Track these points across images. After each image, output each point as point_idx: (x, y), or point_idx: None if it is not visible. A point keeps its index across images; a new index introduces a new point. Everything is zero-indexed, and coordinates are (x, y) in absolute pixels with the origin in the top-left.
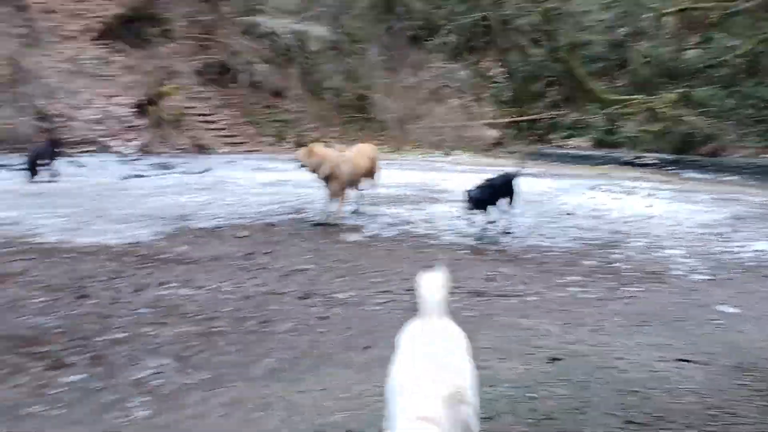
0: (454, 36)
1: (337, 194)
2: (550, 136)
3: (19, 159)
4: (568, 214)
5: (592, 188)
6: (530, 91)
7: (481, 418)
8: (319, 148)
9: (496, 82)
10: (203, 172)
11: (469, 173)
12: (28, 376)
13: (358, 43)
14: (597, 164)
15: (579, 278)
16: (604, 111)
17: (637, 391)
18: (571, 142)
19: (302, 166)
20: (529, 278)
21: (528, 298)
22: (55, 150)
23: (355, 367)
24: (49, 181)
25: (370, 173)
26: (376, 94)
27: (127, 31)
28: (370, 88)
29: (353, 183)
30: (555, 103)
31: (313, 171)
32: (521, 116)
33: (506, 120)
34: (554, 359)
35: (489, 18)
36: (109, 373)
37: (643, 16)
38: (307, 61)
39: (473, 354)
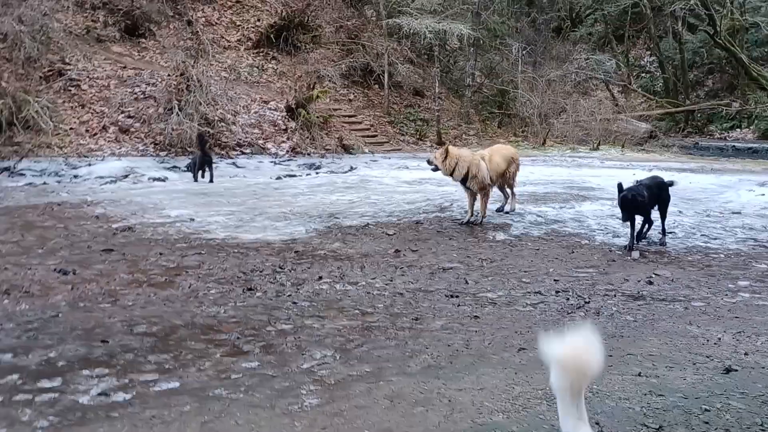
0: (600, 25)
1: (478, 194)
2: (710, 128)
3: (188, 161)
4: (734, 212)
5: (762, 184)
6: (686, 81)
7: (651, 428)
8: (453, 150)
9: (647, 72)
10: (349, 171)
11: (618, 169)
12: (211, 361)
13: (499, 38)
14: (765, 158)
15: (751, 283)
16: None
17: None
18: (734, 133)
19: (436, 168)
20: (693, 282)
21: (694, 304)
22: (206, 156)
23: (512, 367)
24: (210, 182)
25: (507, 174)
26: (518, 90)
27: (280, 39)
28: (511, 83)
29: (492, 183)
30: (715, 92)
31: (450, 173)
32: (676, 107)
33: (659, 112)
34: (729, 370)
35: (640, 4)
36: (281, 362)
37: None
38: (447, 59)
39: (637, 360)
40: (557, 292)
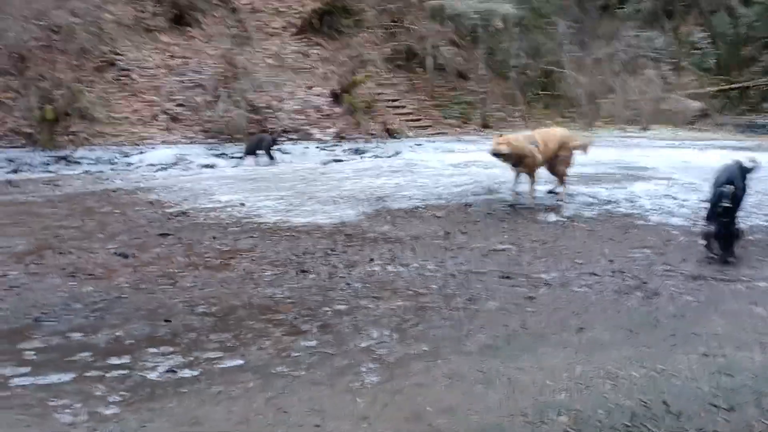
0: (649, 1)
1: (531, 175)
2: (765, 105)
3: (235, 148)
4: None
5: None
6: (740, 57)
7: (721, 408)
8: (510, 138)
9: (698, 49)
10: (394, 155)
11: (670, 149)
12: (271, 340)
13: (545, 17)
14: None
15: None
16: None
17: None
18: None
19: (499, 155)
20: (756, 262)
21: (759, 284)
22: (275, 141)
23: (572, 347)
24: (258, 166)
25: (558, 156)
26: (565, 70)
27: (323, 24)
28: (557, 63)
29: (544, 164)
30: None
31: (513, 161)
32: (730, 85)
33: (712, 89)
34: None
35: None
36: (339, 341)
37: None
38: (491, 40)
39: (702, 340)
40: (613, 272)
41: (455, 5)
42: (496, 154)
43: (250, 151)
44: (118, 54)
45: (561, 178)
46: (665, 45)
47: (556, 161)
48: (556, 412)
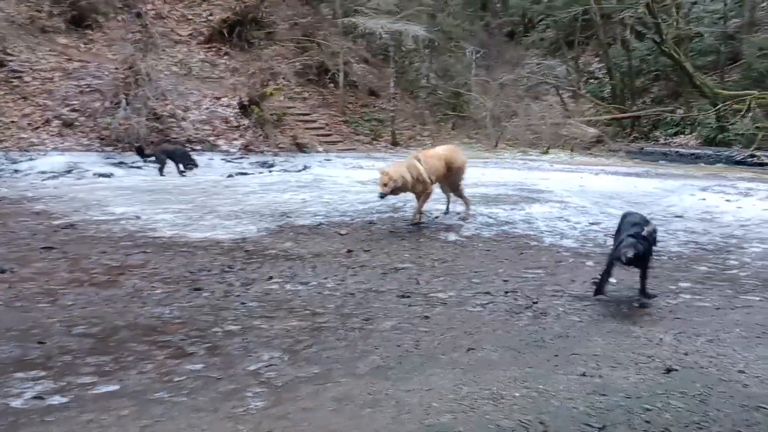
0: (552, 31)
1: (423, 196)
2: (655, 134)
3: (135, 157)
4: (676, 216)
5: (703, 189)
6: (633, 87)
7: (594, 427)
8: (390, 173)
9: (595, 78)
10: (302, 170)
11: (567, 173)
12: (153, 363)
13: (454, 40)
14: (707, 163)
15: (692, 285)
16: (714, 107)
17: (762, 407)
18: (678, 139)
19: (386, 195)
20: (637, 283)
21: (638, 305)
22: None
23: (460, 368)
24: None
25: (448, 175)
26: (472, 92)
27: (233, 34)
28: (465, 85)
29: (433, 183)
30: (660, 98)
31: (407, 190)
32: (623, 113)
33: (607, 117)
34: (669, 370)
35: (590, 12)
36: (226, 364)
37: (762, 4)
38: (403, 60)
39: (582, 360)
40: (506, 292)
41: (367, 24)
42: (384, 196)
43: (162, 162)
44: (9, 54)
45: (462, 196)
46: (566, 73)
47: (451, 180)
48: None
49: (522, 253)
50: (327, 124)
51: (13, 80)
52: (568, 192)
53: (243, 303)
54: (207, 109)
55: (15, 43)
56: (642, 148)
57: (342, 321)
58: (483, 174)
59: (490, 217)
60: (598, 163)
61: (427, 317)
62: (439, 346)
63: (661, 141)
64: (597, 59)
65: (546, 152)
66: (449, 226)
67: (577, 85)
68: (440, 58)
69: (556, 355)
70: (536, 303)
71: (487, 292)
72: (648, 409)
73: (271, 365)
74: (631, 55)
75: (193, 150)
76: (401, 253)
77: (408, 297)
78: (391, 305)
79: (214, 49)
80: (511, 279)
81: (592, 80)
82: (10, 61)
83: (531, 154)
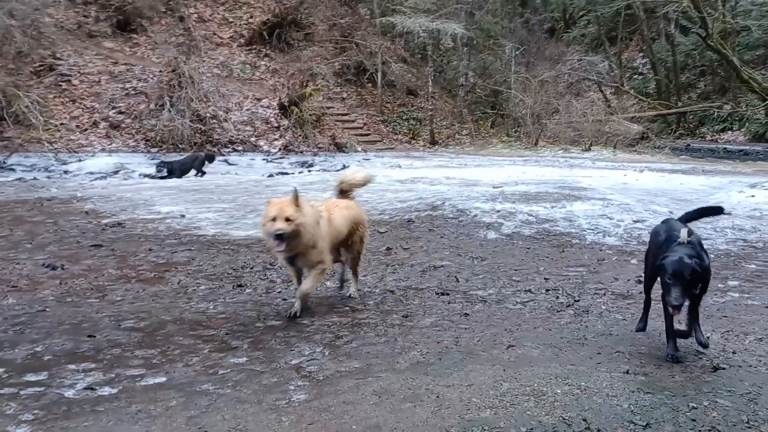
0: (594, 27)
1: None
2: (701, 130)
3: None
4: (724, 213)
5: (752, 186)
6: (678, 82)
7: (638, 425)
8: (283, 208)
9: (639, 74)
10: (341, 169)
11: (610, 170)
12: (198, 356)
13: (493, 38)
14: (756, 160)
15: (740, 283)
16: (763, 102)
17: None
18: (726, 136)
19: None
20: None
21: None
22: (211, 158)
23: (500, 364)
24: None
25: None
26: (511, 90)
27: (273, 36)
28: (504, 83)
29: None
30: (707, 94)
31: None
32: (668, 109)
33: (651, 113)
34: (717, 368)
35: (633, 6)
36: (269, 357)
37: None
38: (441, 58)
39: (625, 358)
40: (547, 290)
41: (405, 23)
42: (280, 236)
43: (185, 171)
44: (57, 59)
45: (355, 265)
46: (608, 69)
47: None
48: (480, 429)
49: (563, 251)
50: (365, 124)
51: (62, 84)
52: (610, 189)
53: (284, 299)
54: (248, 110)
55: (64, 48)
56: (688, 145)
57: (382, 317)
58: (523, 172)
59: (531, 215)
60: (642, 160)
61: (466, 314)
62: (478, 343)
63: (708, 137)
64: (641, 55)
65: (588, 149)
66: (488, 224)
67: (620, 81)
68: (479, 56)
69: (599, 353)
70: (578, 301)
71: (528, 290)
72: (694, 408)
73: (312, 359)
74: (675, 50)
75: (235, 150)
76: (440, 251)
77: (447, 294)
78: (430, 302)
79: (254, 51)
80: (552, 277)
81: (635, 76)
82: (59, 65)
83: (572, 152)
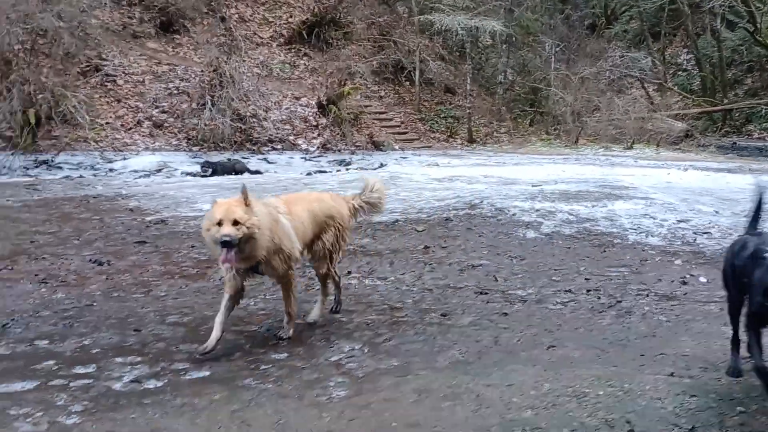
0: (636, 22)
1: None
2: (748, 127)
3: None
4: None
5: None
6: (724, 79)
7: (683, 428)
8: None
9: (683, 70)
10: (379, 167)
11: (653, 168)
12: (240, 351)
13: (533, 35)
14: None
15: None
16: None
17: None
18: None
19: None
20: None
21: None
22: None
23: (541, 364)
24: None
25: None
26: (551, 87)
27: (312, 35)
28: (543, 80)
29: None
30: (754, 90)
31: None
32: (713, 106)
33: (696, 111)
34: None
35: (677, 1)
36: (309, 354)
37: None
38: (479, 56)
39: (670, 361)
40: (588, 290)
41: (444, 20)
42: (228, 243)
43: (226, 171)
44: (103, 59)
45: (334, 274)
46: (651, 66)
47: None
48: (521, 429)
49: (604, 251)
50: (403, 122)
51: (107, 84)
52: (653, 188)
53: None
54: (287, 109)
55: (109, 49)
56: (734, 143)
57: (420, 316)
58: (563, 170)
59: (571, 214)
60: (686, 158)
61: (505, 314)
62: (518, 343)
63: (756, 135)
64: (685, 51)
65: (630, 147)
66: (528, 224)
67: (663, 78)
68: (518, 53)
69: (642, 355)
70: (620, 302)
71: (568, 290)
72: (742, 412)
73: (351, 356)
74: (721, 45)
75: (274, 149)
76: (479, 250)
77: (486, 294)
78: (469, 301)
79: (293, 50)
80: (593, 277)
81: (679, 73)
82: (105, 65)
83: (613, 150)
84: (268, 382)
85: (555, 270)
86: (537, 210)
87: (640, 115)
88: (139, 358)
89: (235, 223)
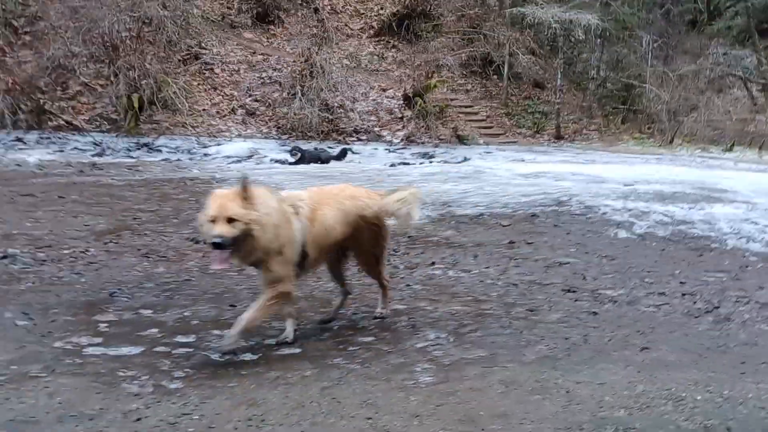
0: (742, 18)
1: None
2: None
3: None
4: None
5: None
6: None
7: None
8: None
9: None
10: (462, 161)
11: (754, 173)
12: (329, 332)
13: (629, 30)
14: None
15: None
16: None
17: None
18: None
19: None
20: None
21: None
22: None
23: (634, 366)
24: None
25: (362, 237)
26: (646, 84)
27: (401, 27)
28: (639, 77)
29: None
30: None
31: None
32: None
33: None
34: None
35: None
36: (395, 339)
37: None
38: (571, 50)
39: None
40: (683, 294)
41: (536, 13)
42: (225, 246)
43: (313, 160)
44: (203, 48)
45: (379, 276)
46: (756, 64)
47: (360, 246)
48: (614, 428)
49: (701, 255)
50: (488, 116)
51: (205, 72)
52: (755, 192)
53: (408, 285)
54: (373, 100)
55: (209, 38)
56: None
57: (506, 309)
58: (656, 171)
59: (666, 216)
60: None
61: (595, 313)
62: (609, 343)
63: None
64: None
65: (729, 149)
66: (619, 223)
67: None
68: (612, 48)
69: (743, 363)
70: (718, 308)
71: (662, 293)
72: None
73: (437, 344)
74: None
75: (359, 140)
76: (566, 248)
77: (574, 292)
78: (556, 298)
79: (382, 42)
80: (688, 281)
81: None
82: (204, 54)
83: (711, 152)
84: (356, 362)
85: (647, 272)
86: (629, 210)
87: (741, 116)
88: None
89: (230, 220)
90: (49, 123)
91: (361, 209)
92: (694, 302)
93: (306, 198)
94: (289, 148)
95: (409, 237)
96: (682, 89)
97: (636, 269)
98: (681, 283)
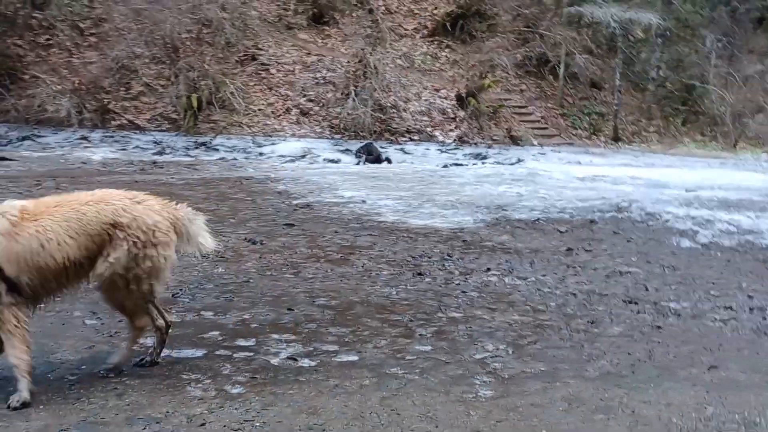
0: None
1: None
2: None
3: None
4: None
5: None
6: None
7: None
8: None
9: None
10: (516, 163)
11: None
12: (386, 339)
13: (691, 29)
14: None
15: None
16: None
17: None
18: None
19: None
20: None
21: None
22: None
23: (702, 385)
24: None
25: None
26: (709, 85)
27: (456, 27)
28: (701, 78)
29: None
30: None
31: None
32: None
33: None
34: None
35: None
36: (453, 349)
37: None
38: (630, 50)
39: None
40: (751, 309)
41: (595, 12)
42: None
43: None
44: (259, 49)
45: (129, 312)
46: None
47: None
48: None
49: None
50: (543, 117)
51: (261, 72)
52: None
53: (464, 292)
54: (426, 100)
55: (265, 39)
56: None
57: (565, 321)
58: (720, 176)
59: (731, 224)
60: None
61: (659, 327)
62: (674, 360)
63: None
64: None
65: None
66: (682, 231)
67: None
68: (673, 47)
69: None
70: None
71: (729, 307)
72: None
73: (496, 356)
74: None
75: (411, 140)
76: (627, 256)
77: (636, 303)
78: (617, 310)
79: (436, 42)
80: (756, 295)
81: None
82: (261, 55)
83: None
84: (414, 373)
85: (712, 284)
86: (692, 217)
87: None
88: (293, 337)
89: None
90: (113, 122)
91: (109, 216)
92: (764, 318)
93: (17, 210)
94: (341, 149)
95: (463, 242)
96: (748, 90)
97: (700, 281)
98: (749, 296)
